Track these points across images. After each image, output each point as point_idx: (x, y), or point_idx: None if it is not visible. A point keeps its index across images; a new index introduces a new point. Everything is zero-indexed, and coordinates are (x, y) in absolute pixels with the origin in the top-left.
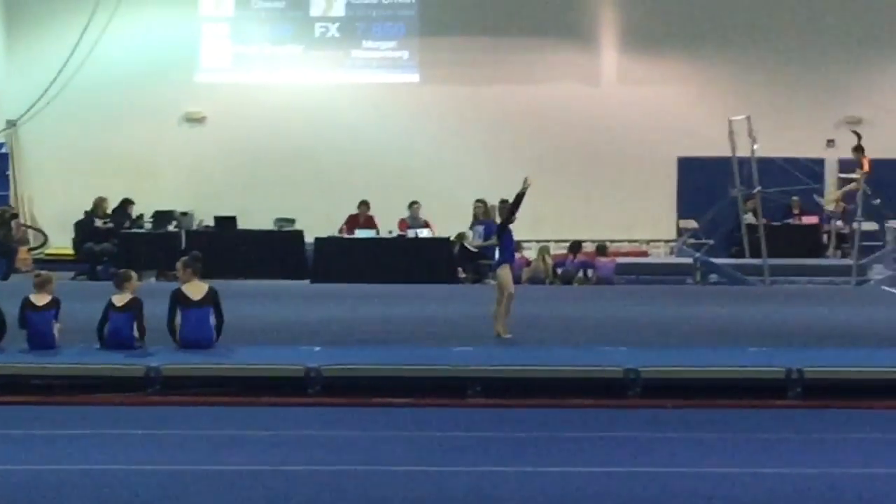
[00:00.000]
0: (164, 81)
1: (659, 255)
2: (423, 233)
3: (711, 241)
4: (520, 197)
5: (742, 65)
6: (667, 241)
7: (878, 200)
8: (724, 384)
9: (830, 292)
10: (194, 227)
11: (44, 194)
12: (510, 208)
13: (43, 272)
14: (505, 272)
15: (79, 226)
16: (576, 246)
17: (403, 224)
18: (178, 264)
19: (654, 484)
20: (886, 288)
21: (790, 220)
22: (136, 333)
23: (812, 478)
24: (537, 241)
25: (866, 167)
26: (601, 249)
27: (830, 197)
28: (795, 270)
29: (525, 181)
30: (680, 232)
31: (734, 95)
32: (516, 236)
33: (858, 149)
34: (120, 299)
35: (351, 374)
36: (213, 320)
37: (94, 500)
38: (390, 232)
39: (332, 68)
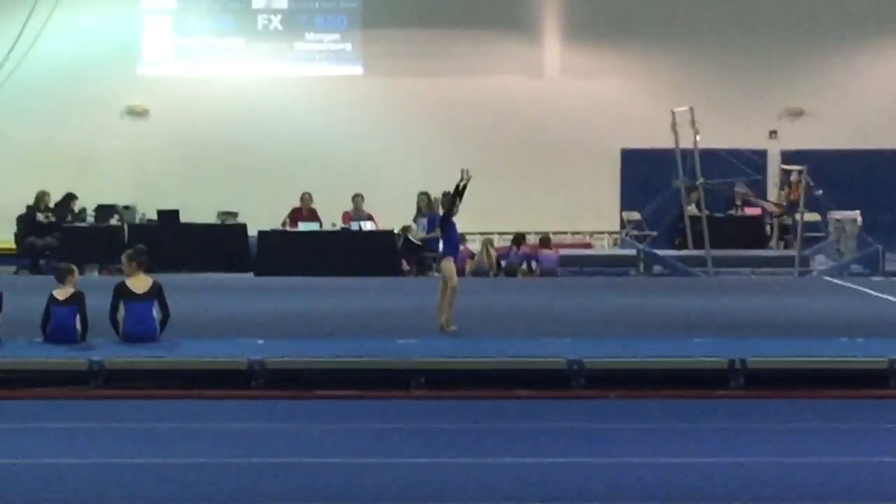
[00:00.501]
0: (107, 74)
1: (602, 247)
2: (367, 225)
3: (655, 233)
4: (460, 189)
5: (685, 56)
6: (610, 233)
7: (820, 192)
8: (668, 374)
9: (773, 283)
10: (137, 221)
11: None
12: (451, 200)
13: None
14: (448, 264)
15: (21, 220)
16: (519, 238)
17: (347, 217)
18: (123, 258)
19: (598, 474)
20: (828, 278)
21: (733, 212)
22: (78, 327)
23: (754, 467)
24: (481, 234)
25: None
26: (545, 241)
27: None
28: (738, 262)
29: (464, 173)
30: (623, 223)
31: (677, 87)
32: (460, 228)
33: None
34: (62, 293)
35: (294, 367)
36: (156, 314)
37: (36, 495)
38: (334, 225)
39: (275, 61)
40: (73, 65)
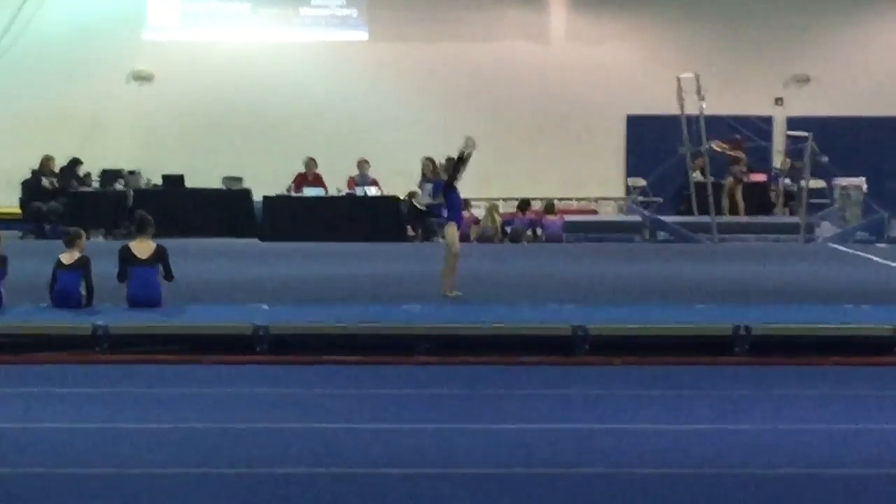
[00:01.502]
0: (112, 39)
1: (607, 213)
2: (372, 191)
3: (660, 199)
4: (463, 156)
5: (691, 23)
6: (615, 199)
7: (826, 158)
8: (672, 341)
9: (778, 250)
10: (142, 186)
11: None
12: (454, 167)
13: None
14: (451, 230)
15: (26, 185)
16: (524, 204)
17: (352, 182)
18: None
19: (602, 440)
20: (833, 245)
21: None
22: (83, 292)
23: (759, 433)
24: (486, 200)
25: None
26: (550, 208)
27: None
28: (743, 228)
29: (468, 142)
30: (629, 190)
31: (683, 53)
32: (465, 195)
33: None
34: (68, 257)
35: (299, 333)
36: (161, 279)
37: (41, 458)
38: (339, 190)
39: (280, 26)
40: (78, 29)
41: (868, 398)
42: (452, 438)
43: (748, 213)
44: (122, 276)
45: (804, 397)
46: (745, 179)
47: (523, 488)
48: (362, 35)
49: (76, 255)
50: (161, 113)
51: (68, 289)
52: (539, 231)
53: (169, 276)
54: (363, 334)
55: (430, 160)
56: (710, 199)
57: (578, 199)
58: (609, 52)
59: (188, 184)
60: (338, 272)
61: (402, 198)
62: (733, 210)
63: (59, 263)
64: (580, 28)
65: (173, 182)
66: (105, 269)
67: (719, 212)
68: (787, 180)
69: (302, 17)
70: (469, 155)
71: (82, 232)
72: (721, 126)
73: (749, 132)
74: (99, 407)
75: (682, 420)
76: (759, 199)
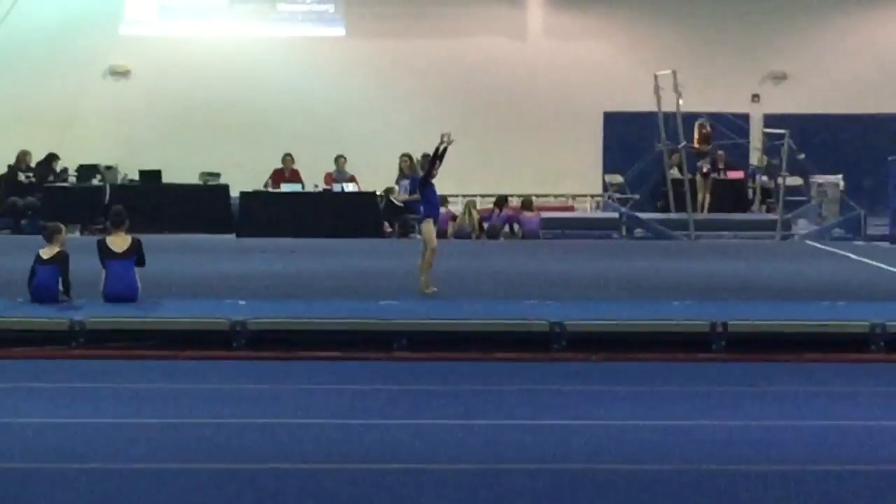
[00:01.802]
0: (89, 34)
1: (585, 210)
2: (349, 187)
3: (637, 196)
4: (439, 153)
5: (668, 19)
6: (592, 196)
7: (803, 155)
8: (649, 337)
9: (755, 247)
10: (119, 182)
11: None
12: (430, 163)
13: None
14: (428, 227)
15: (2, 180)
16: (501, 200)
17: (329, 178)
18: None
19: (579, 436)
20: (810, 242)
21: (716, 175)
22: (60, 287)
23: (736, 430)
24: (463, 196)
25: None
26: (527, 204)
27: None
28: (721, 225)
29: (444, 137)
30: (606, 186)
31: (660, 50)
32: (442, 191)
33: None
34: (47, 252)
35: (276, 328)
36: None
37: (17, 453)
38: (316, 186)
39: (257, 21)
40: (55, 24)
41: (845, 394)
42: (430, 434)
43: (725, 209)
44: (104, 265)
45: (781, 394)
46: (713, 174)
47: (500, 484)
48: (339, 31)
49: (55, 249)
50: (138, 108)
51: (46, 283)
52: (516, 227)
53: (141, 262)
54: (340, 330)
55: (407, 156)
56: (687, 195)
57: (555, 196)
58: (586, 49)
59: (165, 179)
60: (315, 268)
61: (379, 194)
62: (702, 206)
63: (38, 258)
64: (557, 24)
65: (150, 177)
66: (81, 264)
67: (696, 209)
68: (764, 177)
69: (279, 12)
70: (445, 150)
71: (62, 227)
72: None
73: (726, 129)
74: (76, 402)
75: (659, 416)
76: (736, 197)
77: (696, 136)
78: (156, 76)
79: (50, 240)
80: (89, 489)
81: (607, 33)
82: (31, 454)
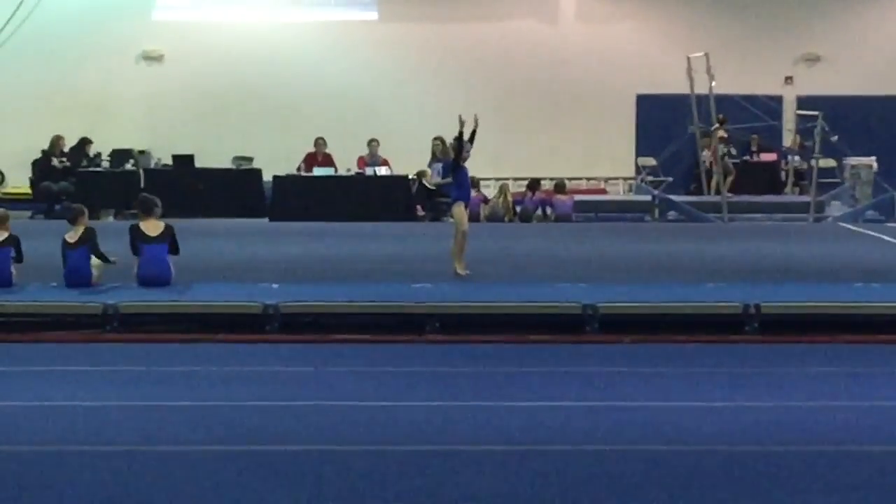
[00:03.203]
0: (122, 19)
1: (617, 193)
2: (382, 170)
3: (670, 179)
4: (463, 135)
5: (701, 2)
6: (625, 179)
7: (836, 137)
8: (682, 319)
9: (788, 229)
10: (152, 166)
11: (0, 133)
12: (459, 146)
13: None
14: (459, 210)
15: (36, 165)
16: (534, 184)
17: (362, 162)
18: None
19: (611, 418)
20: (843, 224)
21: (748, 158)
22: (93, 268)
23: (768, 411)
24: (496, 179)
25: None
26: (560, 187)
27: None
28: (754, 207)
29: (462, 120)
30: (638, 169)
31: (692, 32)
32: (475, 174)
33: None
34: (73, 235)
35: (309, 312)
36: (169, 258)
37: (51, 436)
38: (348, 170)
39: (290, 6)
40: (88, 9)
41: (878, 375)
42: (462, 416)
43: (758, 192)
44: (135, 251)
45: (813, 375)
46: (744, 157)
47: (533, 466)
48: (372, 15)
49: (80, 231)
50: (171, 93)
51: (78, 267)
52: (549, 211)
53: (175, 250)
54: (373, 313)
55: (439, 140)
56: (721, 178)
57: (588, 179)
58: (618, 32)
59: (198, 164)
60: (347, 251)
61: (411, 177)
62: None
63: (65, 243)
64: (589, 7)
65: (183, 162)
66: (116, 248)
67: (710, 191)
68: (797, 159)
69: None
70: (473, 133)
71: (83, 208)
72: (731, 105)
73: (759, 111)
74: (109, 385)
75: (692, 397)
76: (769, 179)
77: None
78: (189, 61)
79: (74, 222)
80: (122, 472)
81: (639, 16)
82: (65, 437)
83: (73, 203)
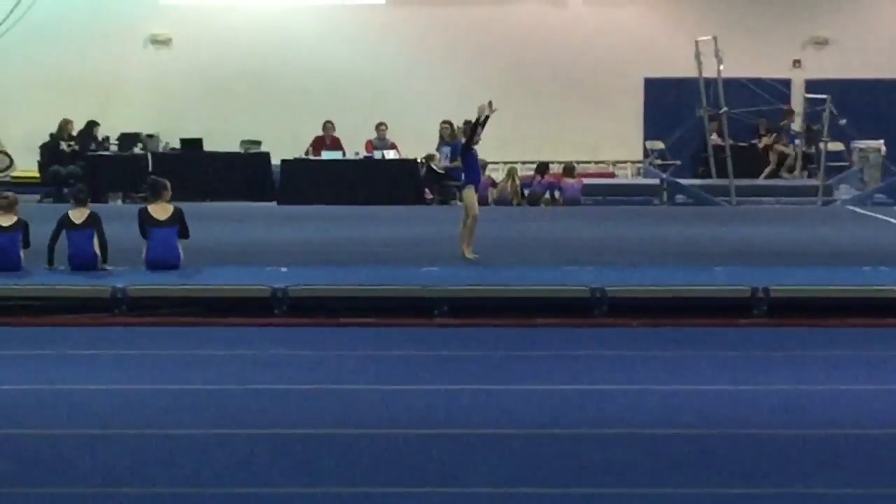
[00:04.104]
0: (130, 3)
1: (626, 176)
2: (390, 154)
3: (678, 162)
4: (481, 121)
5: None
6: (633, 162)
7: (844, 121)
8: (690, 303)
9: (796, 212)
10: (160, 150)
11: (8, 117)
12: (471, 130)
13: (9, 194)
14: (469, 194)
15: (44, 148)
16: (542, 167)
17: (370, 145)
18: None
19: (619, 401)
20: (852, 207)
21: (756, 141)
22: (97, 251)
23: (777, 394)
24: (504, 163)
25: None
26: (568, 171)
27: None
28: (762, 191)
29: (484, 108)
30: (646, 153)
31: (701, 15)
32: (483, 157)
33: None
34: (78, 215)
35: (318, 295)
36: (178, 241)
37: (60, 419)
38: (357, 153)
39: None
40: None
41: (885, 359)
42: (470, 400)
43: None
44: (144, 234)
45: (822, 358)
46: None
47: (541, 449)
48: None
49: (86, 212)
50: (179, 76)
51: (83, 249)
52: (557, 194)
53: (185, 234)
54: (381, 296)
55: (447, 123)
56: (729, 161)
57: (596, 163)
58: (626, 15)
59: (206, 147)
60: (356, 235)
61: (419, 161)
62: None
63: (69, 222)
64: None
65: (191, 145)
66: (122, 232)
67: (738, 174)
68: (806, 143)
69: None
70: (487, 118)
71: (87, 189)
72: (739, 89)
73: (767, 94)
74: (118, 369)
75: (700, 381)
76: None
77: None
78: (197, 45)
79: (83, 203)
80: (130, 455)
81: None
82: (74, 420)
83: (82, 185)
